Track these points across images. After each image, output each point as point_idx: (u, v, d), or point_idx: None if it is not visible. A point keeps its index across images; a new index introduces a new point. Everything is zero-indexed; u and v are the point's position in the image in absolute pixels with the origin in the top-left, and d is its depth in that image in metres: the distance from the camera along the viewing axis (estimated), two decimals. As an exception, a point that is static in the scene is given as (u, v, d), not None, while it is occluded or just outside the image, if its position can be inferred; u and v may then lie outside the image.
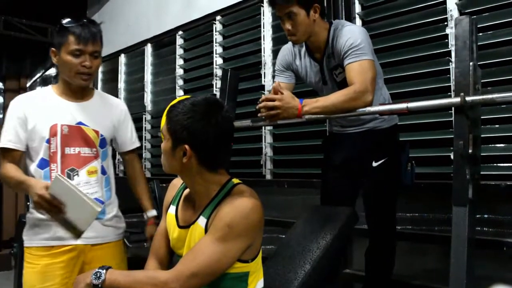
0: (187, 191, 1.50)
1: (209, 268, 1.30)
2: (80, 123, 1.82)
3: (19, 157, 1.80)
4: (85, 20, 1.78)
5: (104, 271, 1.32)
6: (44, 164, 1.78)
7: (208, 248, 1.30)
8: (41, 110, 1.80)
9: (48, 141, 1.77)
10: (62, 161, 1.77)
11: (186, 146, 1.34)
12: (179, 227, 1.46)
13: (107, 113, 1.93)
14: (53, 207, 1.63)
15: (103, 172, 1.87)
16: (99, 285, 1.30)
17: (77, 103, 1.85)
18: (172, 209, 1.52)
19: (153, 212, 2.05)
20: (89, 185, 1.80)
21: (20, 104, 1.82)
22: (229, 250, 1.31)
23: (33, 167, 1.79)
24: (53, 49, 1.80)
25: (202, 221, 1.39)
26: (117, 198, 1.96)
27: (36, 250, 1.77)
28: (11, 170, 1.76)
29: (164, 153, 1.42)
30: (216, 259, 1.30)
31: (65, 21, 1.77)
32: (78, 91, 1.85)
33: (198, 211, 1.42)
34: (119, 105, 2.01)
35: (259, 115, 1.88)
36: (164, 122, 1.41)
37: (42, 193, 1.60)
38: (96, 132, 1.85)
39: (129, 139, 2.02)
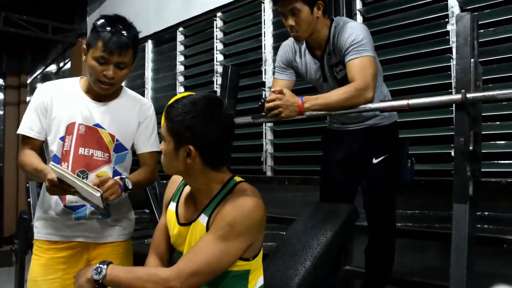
0: (187, 188, 1.50)
1: (210, 267, 1.30)
2: (97, 125, 1.76)
3: (39, 145, 1.78)
4: (120, 26, 1.67)
5: (105, 266, 1.32)
6: (56, 161, 1.74)
7: (209, 246, 1.29)
8: (63, 104, 1.75)
9: (63, 139, 1.73)
10: (74, 161, 1.72)
11: (190, 147, 1.32)
12: (180, 224, 1.46)
13: (128, 116, 1.83)
14: (65, 190, 1.59)
15: (116, 176, 1.78)
16: (100, 280, 1.30)
17: (99, 103, 1.78)
18: (172, 205, 1.52)
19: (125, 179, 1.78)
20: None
21: (47, 92, 1.77)
22: (230, 249, 1.31)
23: (49, 157, 1.77)
24: (84, 47, 1.71)
25: (203, 219, 1.38)
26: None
27: (42, 242, 1.78)
28: (30, 156, 1.73)
29: (166, 155, 1.39)
30: (217, 258, 1.29)
31: (99, 22, 1.67)
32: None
33: (199, 209, 1.42)
34: (143, 107, 1.87)
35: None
36: (164, 123, 1.37)
37: (51, 177, 1.56)
38: (112, 136, 1.78)
39: (141, 143, 1.86)
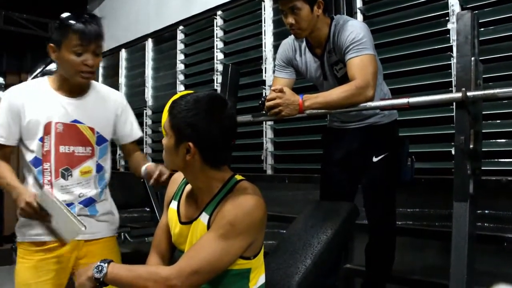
0: (188, 186, 1.50)
1: (211, 265, 1.30)
2: (75, 121, 1.76)
3: (10, 152, 1.77)
4: (87, 16, 1.70)
5: (106, 264, 1.31)
6: (37, 162, 1.73)
7: (210, 245, 1.29)
8: (36, 106, 1.73)
9: (42, 139, 1.72)
10: (56, 160, 1.73)
11: (190, 144, 1.32)
12: (181, 223, 1.46)
13: (104, 108, 1.86)
14: (39, 216, 1.61)
15: (99, 169, 1.83)
16: (101, 279, 1.30)
17: (73, 99, 1.78)
18: (174, 204, 1.52)
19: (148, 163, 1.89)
20: (80, 185, 1.77)
21: (15, 97, 1.75)
22: (231, 248, 1.31)
23: (28, 161, 1.75)
24: (51, 44, 1.71)
25: (204, 217, 1.38)
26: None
27: (28, 245, 1.76)
28: (3, 168, 1.73)
29: (166, 150, 1.40)
30: (218, 256, 1.29)
31: (65, 16, 1.69)
32: (75, 87, 1.78)
33: (200, 207, 1.42)
34: (116, 99, 1.92)
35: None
36: (166, 118, 1.38)
37: (30, 200, 1.57)
38: (92, 129, 1.80)
39: (128, 133, 1.95)
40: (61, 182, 1.74)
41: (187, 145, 1.33)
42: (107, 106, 1.87)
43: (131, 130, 1.96)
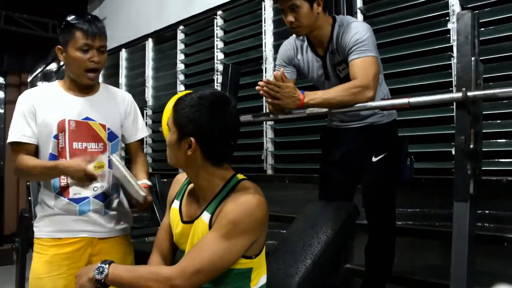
0: (191, 186, 1.51)
1: (213, 265, 1.30)
2: (87, 118, 1.84)
3: (33, 150, 1.83)
4: (90, 16, 1.80)
5: (107, 265, 1.32)
6: (53, 159, 1.80)
7: (212, 245, 1.30)
8: (48, 105, 1.81)
9: (56, 137, 1.79)
10: (71, 156, 1.79)
11: (192, 139, 1.34)
12: (183, 222, 1.46)
13: (113, 105, 1.93)
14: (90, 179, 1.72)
15: (111, 165, 1.86)
16: (102, 280, 1.31)
17: (84, 97, 1.86)
18: (176, 204, 1.52)
19: (144, 181, 1.94)
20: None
21: (28, 99, 1.84)
22: (233, 247, 1.31)
23: (44, 159, 1.82)
24: (59, 46, 1.81)
25: (206, 216, 1.39)
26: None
27: (44, 240, 1.81)
28: (31, 160, 1.79)
29: (169, 146, 1.42)
30: (220, 256, 1.30)
31: (70, 18, 1.79)
32: (84, 86, 1.87)
33: (202, 206, 1.42)
34: (125, 97, 2.00)
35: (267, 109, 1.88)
36: (171, 114, 1.41)
37: (84, 168, 1.68)
38: (103, 126, 1.86)
39: (132, 132, 2.00)
40: None
41: (188, 140, 1.35)
42: (116, 104, 1.95)
43: (135, 129, 2.01)
